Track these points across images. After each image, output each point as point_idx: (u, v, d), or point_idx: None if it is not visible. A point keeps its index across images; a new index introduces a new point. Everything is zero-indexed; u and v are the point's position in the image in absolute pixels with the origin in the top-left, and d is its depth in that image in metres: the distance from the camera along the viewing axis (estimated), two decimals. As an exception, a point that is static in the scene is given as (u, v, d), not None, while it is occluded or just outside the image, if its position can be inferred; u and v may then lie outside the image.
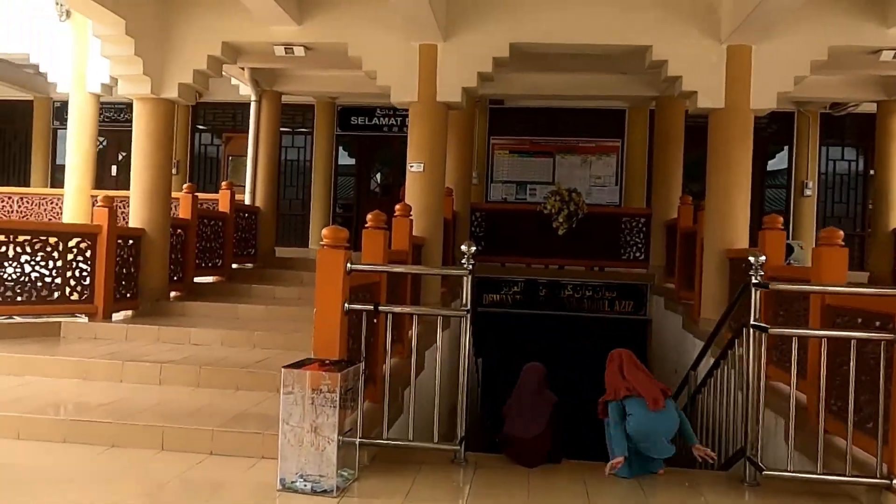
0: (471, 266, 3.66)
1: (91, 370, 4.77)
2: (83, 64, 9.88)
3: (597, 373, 3.99)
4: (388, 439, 3.60)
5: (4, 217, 10.07)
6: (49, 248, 5.87)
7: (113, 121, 12.91)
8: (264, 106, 9.65)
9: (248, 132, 12.88)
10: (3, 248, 5.62)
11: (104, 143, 13.18)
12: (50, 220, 9.98)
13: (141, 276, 6.72)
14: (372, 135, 12.57)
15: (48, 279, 5.88)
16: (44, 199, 10.26)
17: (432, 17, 5.87)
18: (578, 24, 6.24)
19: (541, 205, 9.41)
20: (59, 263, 5.93)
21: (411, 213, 5.63)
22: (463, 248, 3.65)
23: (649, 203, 11.52)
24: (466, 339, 3.67)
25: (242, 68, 8.81)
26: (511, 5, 6.31)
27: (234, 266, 8.78)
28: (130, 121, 12.64)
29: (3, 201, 10.23)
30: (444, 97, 6.46)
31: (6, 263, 5.64)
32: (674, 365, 7.60)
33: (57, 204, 10.13)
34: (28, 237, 5.76)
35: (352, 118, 12.58)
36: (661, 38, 6.19)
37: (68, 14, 9.85)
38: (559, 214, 9.13)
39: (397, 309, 4.19)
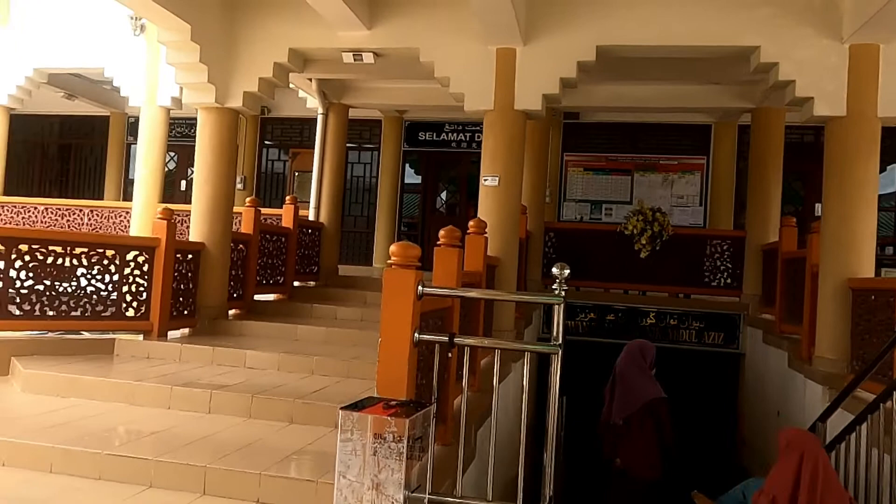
0: (563, 293, 3.08)
1: (138, 394, 4.40)
2: (155, 78, 9.89)
3: (683, 413, 3.32)
4: (462, 497, 3.03)
5: (75, 230, 10.11)
6: (106, 262, 5.62)
7: (184, 136, 12.98)
8: (331, 119, 9.36)
9: (314, 147, 12.76)
10: (60, 261, 5.39)
11: (175, 159, 13.28)
12: (118, 233, 9.95)
13: (199, 293, 6.42)
14: (439, 150, 12.16)
15: (104, 293, 5.63)
16: (113, 212, 10.27)
17: (514, 18, 5.37)
18: (675, 25, 5.61)
19: (621, 225, 8.71)
20: (115, 277, 5.67)
21: (486, 229, 5.09)
22: (555, 270, 3.07)
23: (737, 225, 10.66)
24: (556, 380, 3.08)
25: (310, 79, 8.54)
26: (599, 4, 5.74)
27: (295, 284, 8.44)
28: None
29: (74, 214, 10.29)
30: (523, 105, 5.93)
31: (62, 277, 5.41)
32: (776, 406, 6.73)
33: (125, 217, 10.12)
34: (85, 249, 5.52)
35: (419, 133, 12.22)
36: (771, 37, 5.48)
37: (142, 28, 9.89)
38: (642, 236, 8.41)
39: (476, 342, 3.60)
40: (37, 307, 5.29)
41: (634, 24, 5.67)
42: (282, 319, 6.74)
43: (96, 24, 10.13)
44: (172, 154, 13.17)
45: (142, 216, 9.71)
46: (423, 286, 3.01)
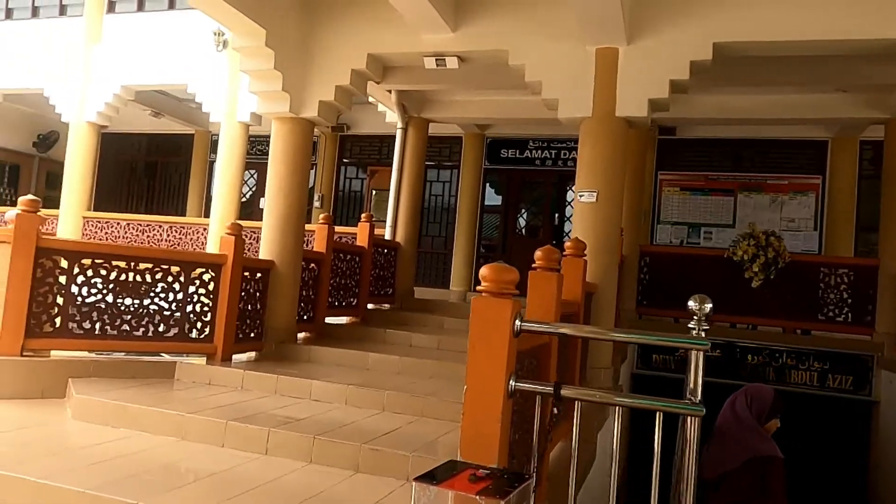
0: (703, 332, 2.36)
1: (191, 428, 3.94)
2: (235, 93, 9.78)
3: (801, 471, 2.48)
4: None
5: (154, 245, 10.08)
6: (170, 279, 5.28)
7: (264, 154, 12.89)
8: (410, 134, 8.91)
9: (391, 166, 12.40)
10: (123, 277, 5.08)
11: (254, 176, 13.24)
12: (195, 249, 9.83)
13: (267, 314, 6.00)
14: (522, 169, 11.53)
15: (167, 313, 5.27)
16: (191, 228, 10.18)
17: (620, 12, 4.71)
18: (812, 14, 4.78)
19: (728, 250, 7.77)
20: (179, 296, 5.32)
21: (585, 251, 4.40)
22: (691, 304, 2.36)
23: (858, 252, 9.45)
24: (692, 449, 2.35)
25: (389, 91, 8.12)
26: (718, -6, 5.00)
27: (369, 306, 7.96)
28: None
29: (154, 230, 10.27)
30: (625, 111, 5.22)
31: (124, 293, 5.09)
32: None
33: (203, 234, 10.00)
34: (149, 265, 5.20)
35: (501, 150, 11.63)
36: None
37: (225, 44, 9.82)
38: (753, 262, 7.45)
39: (590, 396, 2.84)
40: (97, 326, 4.98)
41: (761, 15, 4.88)
42: (353, 345, 6.23)
43: (181, 42, 10.17)
44: (252, 172, 13.15)
45: (218, 232, 9.54)
46: (521, 320, 2.37)
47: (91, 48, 10.60)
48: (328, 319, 7.07)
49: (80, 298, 4.92)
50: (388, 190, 12.56)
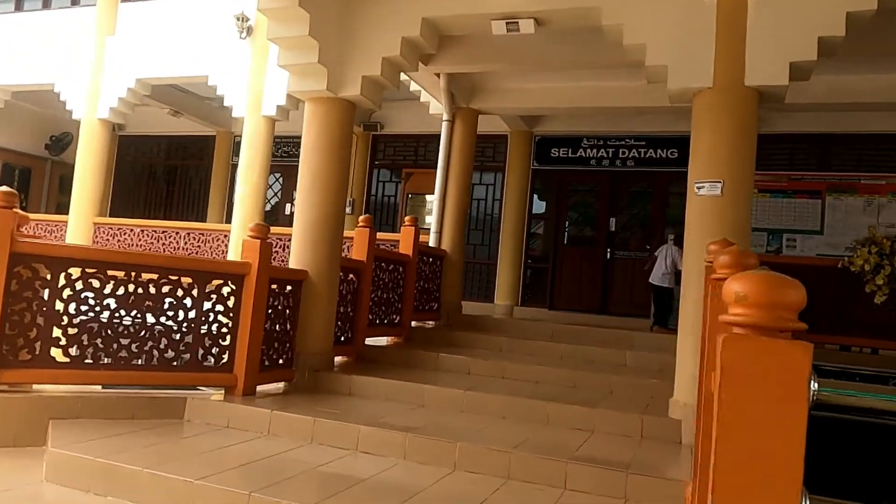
0: None
1: (199, 501, 2.86)
2: (260, 85, 8.79)
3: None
4: None
5: (170, 254, 9.09)
6: (181, 293, 4.22)
7: (289, 155, 11.94)
8: (457, 127, 7.82)
9: (431, 168, 11.35)
10: (122, 290, 4.04)
11: (280, 180, 12.26)
12: (214, 258, 8.83)
13: (298, 336, 4.93)
14: (574, 170, 10.38)
15: (176, 335, 4.22)
16: (210, 234, 9.18)
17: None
18: None
19: (843, 260, 6.53)
20: (191, 314, 4.26)
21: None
22: None
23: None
24: None
25: (437, 76, 7.05)
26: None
27: (412, 324, 6.87)
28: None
29: (170, 237, 9.29)
30: (757, 79, 4.07)
31: (123, 311, 4.04)
32: None
33: (223, 241, 9.00)
34: (154, 276, 4.15)
35: (552, 150, 10.50)
36: None
37: (249, 31, 8.86)
38: (876, 274, 6.20)
39: None
40: (88, 352, 3.94)
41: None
42: (402, 374, 5.12)
43: (201, 31, 9.22)
44: (277, 175, 12.18)
45: (239, 239, 8.52)
46: (817, 380, 1.23)
47: (104, 39, 9.71)
48: (368, 340, 5.99)
49: (66, 318, 3.88)
50: (424, 194, 11.56)
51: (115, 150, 13.03)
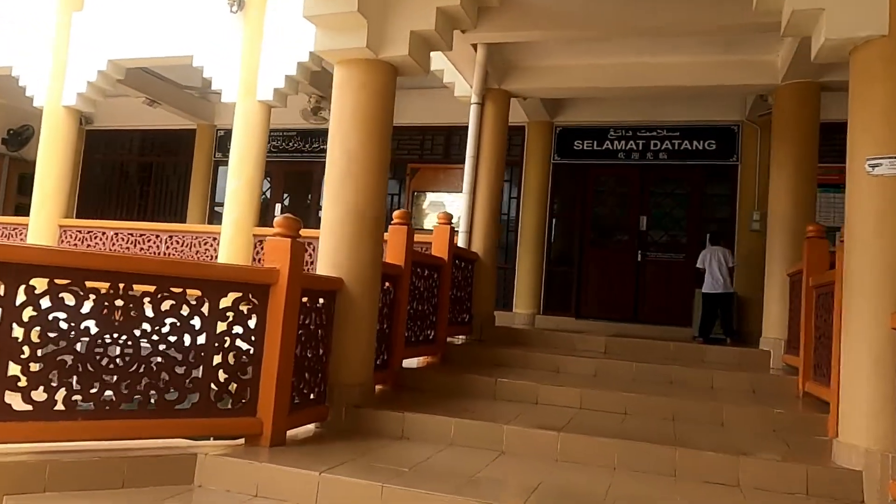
0: None
1: None
2: (254, 65, 7.67)
3: None
4: None
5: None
6: (186, 311, 3.12)
7: (281, 150, 10.79)
8: (488, 112, 6.79)
9: (439, 163, 10.33)
10: (105, 308, 2.92)
11: (268, 179, 11.08)
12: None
13: (332, 362, 3.85)
14: (601, 164, 9.44)
15: (180, 368, 3.11)
16: (197, 237, 7.99)
17: None
18: None
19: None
20: (200, 339, 3.16)
21: None
22: None
23: None
24: None
25: (474, 46, 6.03)
26: None
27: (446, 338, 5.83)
28: (301, 150, 10.39)
29: (149, 240, 8.08)
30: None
31: (107, 337, 2.93)
32: None
33: (212, 245, 7.83)
34: (151, 288, 3.04)
35: (574, 142, 9.55)
36: None
37: (240, 4, 7.73)
38: None
39: None
40: (59, 395, 2.81)
41: None
42: (458, 407, 4.07)
43: (183, 5, 8.06)
44: (266, 173, 10.99)
45: (232, 242, 7.39)
46: None
47: (69, 15, 8.47)
48: (403, 362, 4.93)
49: (27, 348, 2.75)
50: (433, 191, 10.52)
51: (82, 146, 11.71)
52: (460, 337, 6.38)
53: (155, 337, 3.03)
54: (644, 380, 5.12)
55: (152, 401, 3.02)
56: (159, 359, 3.04)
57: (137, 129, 11.68)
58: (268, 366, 3.27)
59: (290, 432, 3.45)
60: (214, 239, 7.79)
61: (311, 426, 3.72)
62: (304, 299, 3.55)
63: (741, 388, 4.99)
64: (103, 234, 8.32)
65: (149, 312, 3.01)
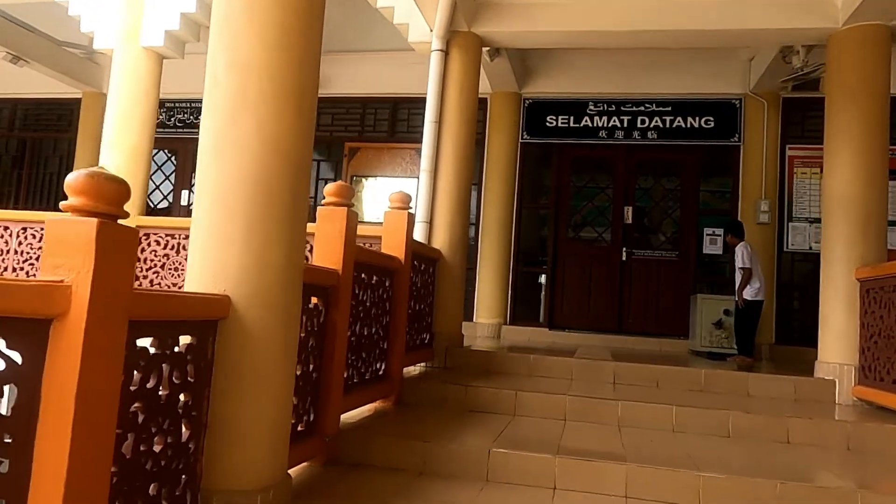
0: None
1: None
2: (139, 5, 5.75)
3: None
4: None
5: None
6: None
7: (188, 126, 8.82)
8: (454, 63, 5.12)
9: (383, 142, 8.57)
10: None
11: (173, 160, 9.08)
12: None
13: (206, 451, 2.09)
14: (578, 143, 7.92)
15: None
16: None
17: None
18: None
19: None
20: None
21: None
22: None
23: None
24: None
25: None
26: None
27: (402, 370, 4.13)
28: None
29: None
30: None
31: None
32: None
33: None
34: None
35: (547, 118, 7.99)
36: None
37: (121, -81, 5.77)
38: None
39: None
40: None
41: None
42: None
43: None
44: (169, 155, 9.01)
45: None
46: None
47: None
48: (345, 415, 3.20)
49: None
50: (369, 177, 8.72)
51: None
52: (419, 365, 4.71)
53: None
54: (692, 432, 3.58)
55: None
56: None
57: (8, 97, 9.44)
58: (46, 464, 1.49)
59: None
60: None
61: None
62: (145, 343, 1.79)
63: (828, 440, 3.50)
64: (-67, 225, 6.17)
65: None
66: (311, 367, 2.82)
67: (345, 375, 3.22)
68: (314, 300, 2.84)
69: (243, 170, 2.19)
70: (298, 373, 2.63)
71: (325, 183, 8.57)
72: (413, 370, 4.61)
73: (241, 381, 2.16)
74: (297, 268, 2.36)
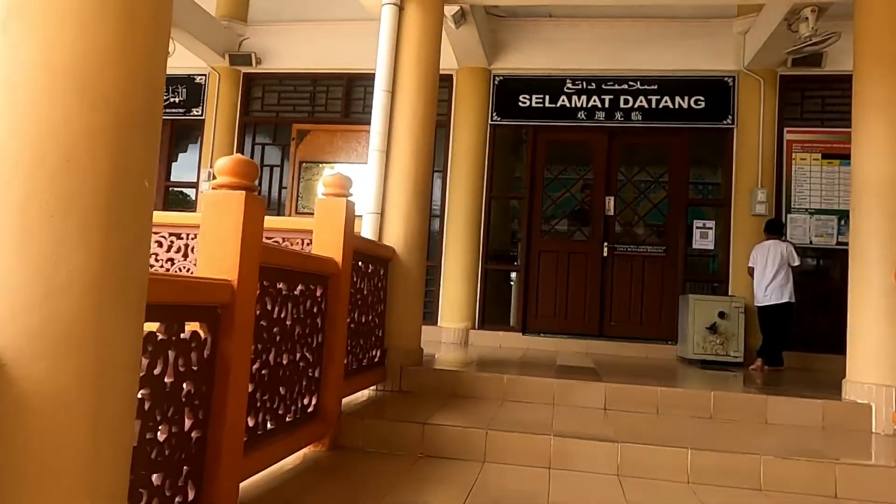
0: None
1: None
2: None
3: None
4: None
5: None
6: None
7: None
8: (410, 21, 4.23)
9: (336, 123, 7.63)
10: None
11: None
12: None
13: None
14: (554, 125, 7.09)
15: None
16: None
17: None
18: None
19: None
20: None
21: None
22: None
23: None
24: None
25: None
26: None
27: (342, 401, 3.25)
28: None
29: None
30: None
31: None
32: None
33: None
34: None
35: (520, 97, 7.14)
36: None
37: None
38: None
39: None
40: None
41: None
42: None
43: None
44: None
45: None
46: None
47: None
48: (250, 478, 2.30)
49: None
50: (320, 163, 7.75)
51: None
52: (369, 389, 3.83)
53: None
54: (715, 481, 2.78)
55: None
56: None
57: None
58: None
59: None
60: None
61: None
62: None
63: (887, 494, 2.73)
64: None
65: None
66: (200, 414, 1.92)
67: (252, 424, 2.33)
68: (196, 327, 1.94)
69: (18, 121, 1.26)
70: (163, 437, 1.74)
71: (271, 171, 7.69)
72: (360, 397, 3.73)
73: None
74: (133, 281, 1.44)
